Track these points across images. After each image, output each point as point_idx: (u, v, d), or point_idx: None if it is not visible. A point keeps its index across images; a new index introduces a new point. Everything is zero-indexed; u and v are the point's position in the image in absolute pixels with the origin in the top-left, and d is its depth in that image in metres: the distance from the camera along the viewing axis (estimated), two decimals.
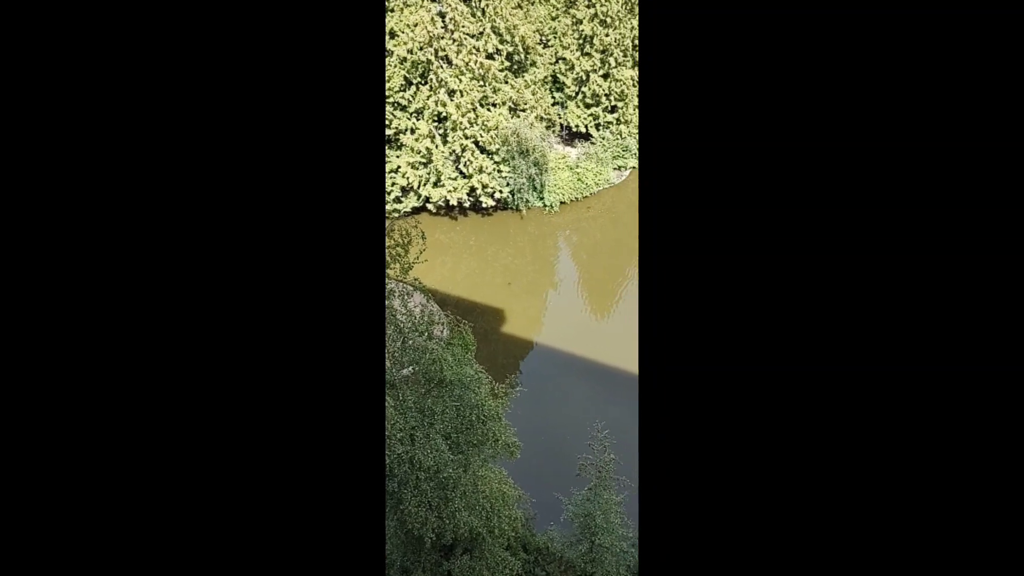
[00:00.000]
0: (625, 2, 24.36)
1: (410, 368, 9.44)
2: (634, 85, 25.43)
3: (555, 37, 25.47)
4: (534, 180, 23.29)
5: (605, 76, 25.14)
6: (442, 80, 21.61)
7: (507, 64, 23.14)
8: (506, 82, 23.10)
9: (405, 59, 21.57)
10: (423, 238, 9.37)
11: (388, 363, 9.11)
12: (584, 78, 24.90)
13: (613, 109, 25.66)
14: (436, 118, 22.42)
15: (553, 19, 25.63)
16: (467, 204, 23.33)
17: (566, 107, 25.76)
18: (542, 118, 23.86)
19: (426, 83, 21.97)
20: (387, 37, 21.18)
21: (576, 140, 26.39)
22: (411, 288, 9.49)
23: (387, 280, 8.67)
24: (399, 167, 22.06)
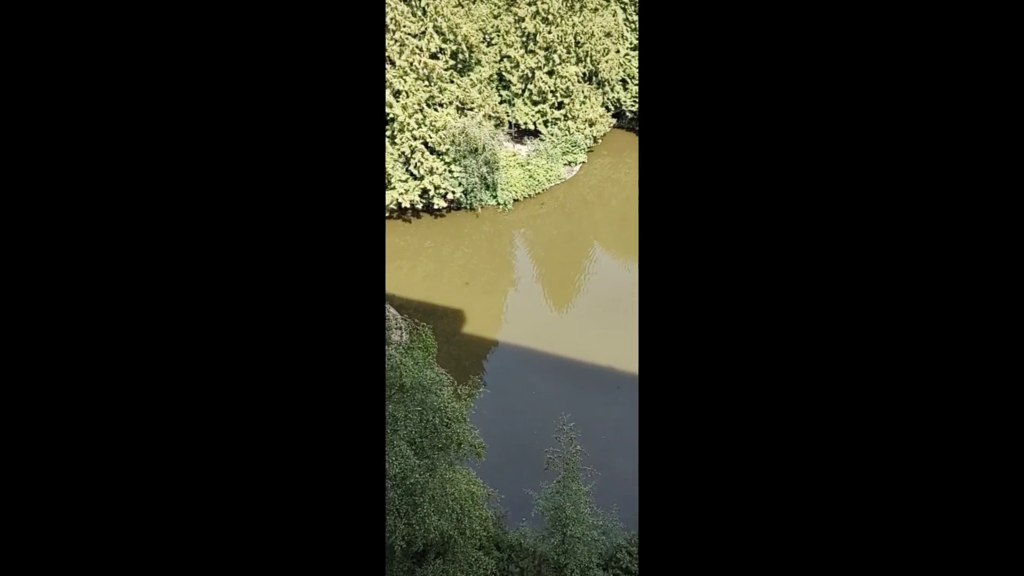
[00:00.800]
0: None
1: None
2: (579, 81, 25.71)
3: (498, 35, 25.47)
4: (486, 179, 23.26)
5: (550, 73, 25.31)
6: (386, 81, 21.32)
7: (452, 63, 23.01)
8: (452, 81, 22.96)
9: None
10: None
11: None
12: (530, 75, 25.00)
13: (560, 106, 25.87)
14: None
15: (495, 17, 25.63)
16: (420, 206, 23.09)
17: (513, 105, 25.82)
18: (490, 116, 23.84)
19: None
20: None
21: (525, 137, 26.50)
22: None
23: None
24: None
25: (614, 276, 22.88)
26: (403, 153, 22.10)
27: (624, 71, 27.67)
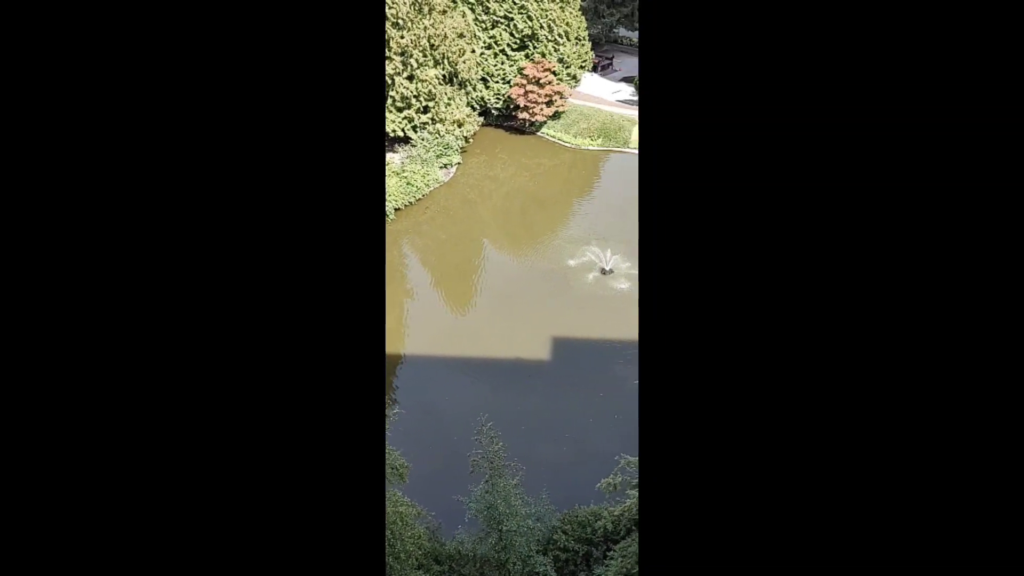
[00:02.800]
0: (414, 3, 24.46)
1: None
2: (441, 83, 25.73)
3: None
4: None
5: (410, 78, 25.11)
6: None
7: None
8: None
9: None
10: None
11: None
12: (390, 82, 24.64)
13: (426, 110, 25.76)
14: None
15: None
16: None
17: None
18: None
19: None
20: None
21: (396, 145, 26.11)
22: None
23: None
24: None
25: (509, 270, 23.25)
26: None
27: (483, 70, 28.09)
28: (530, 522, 11.34)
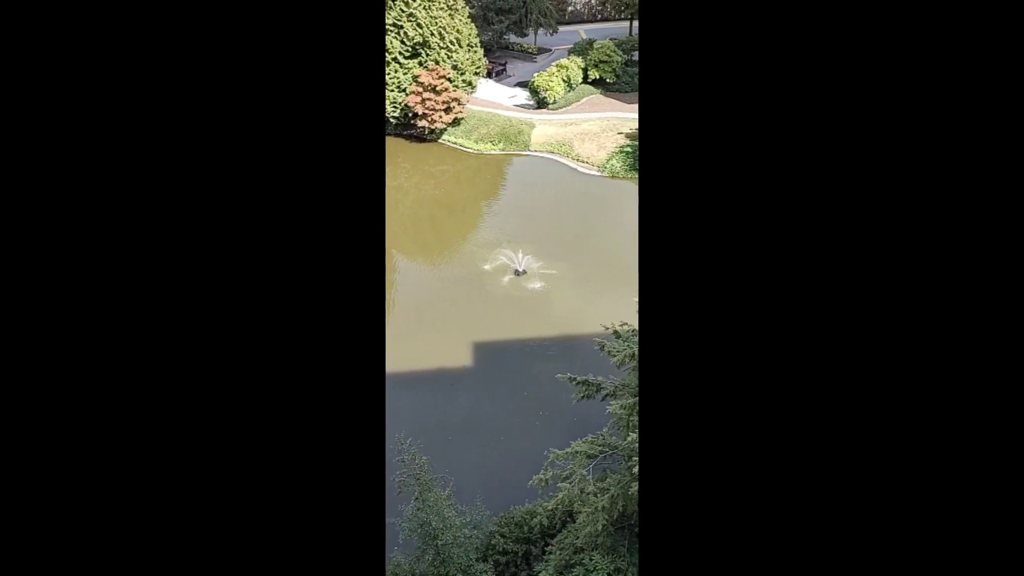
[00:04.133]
0: None
1: None
2: None
3: None
4: None
5: None
6: None
7: None
8: None
9: None
10: None
11: None
12: None
13: None
14: None
15: None
16: None
17: None
18: None
19: None
20: None
21: None
22: None
23: None
24: None
25: (423, 279, 22.93)
26: None
27: None
28: (467, 531, 11.17)
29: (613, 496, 8.44)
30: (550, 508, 9.16)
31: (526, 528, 11.32)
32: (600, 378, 10.43)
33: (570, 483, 8.95)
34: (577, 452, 9.35)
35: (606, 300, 19.99)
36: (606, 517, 8.36)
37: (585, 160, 29.69)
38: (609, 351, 8.67)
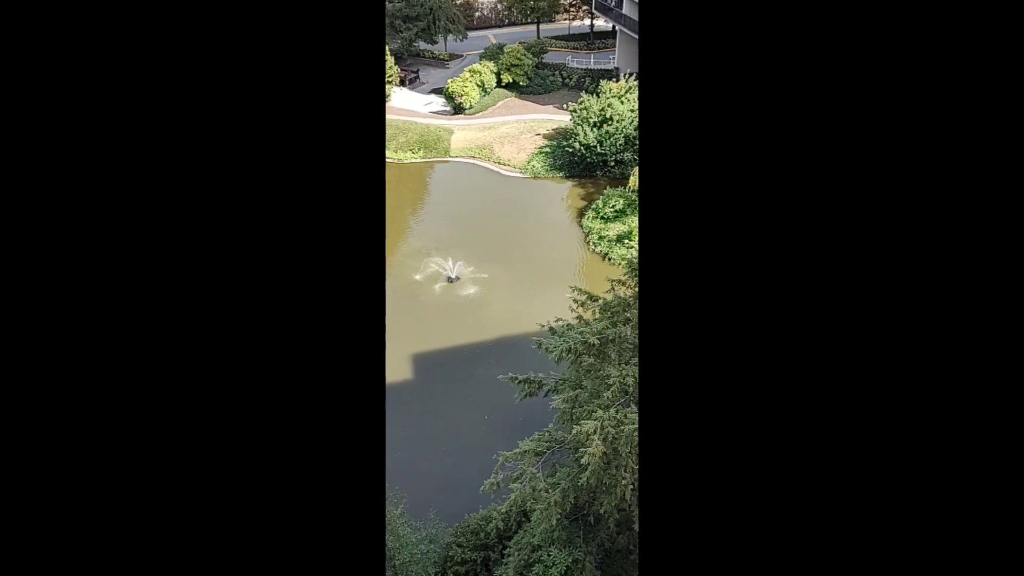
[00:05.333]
0: None
1: None
2: None
3: None
4: None
5: None
6: None
7: None
8: None
9: None
10: None
11: None
12: None
13: None
14: None
15: None
16: None
17: None
18: None
19: None
20: None
21: None
22: None
23: None
24: None
25: None
26: None
27: None
28: (423, 547, 10.99)
29: (564, 489, 8.56)
30: (504, 511, 9.17)
31: (482, 534, 11.27)
32: (541, 375, 10.55)
33: (521, 483, 8.99)
34: (526, 451, 9.41)
35: (541, 299, 20.25)
36: (559, 511, 8.46)
37: (506, 163, 29.98)
38: (546, 348, 8.79)
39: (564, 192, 28.28)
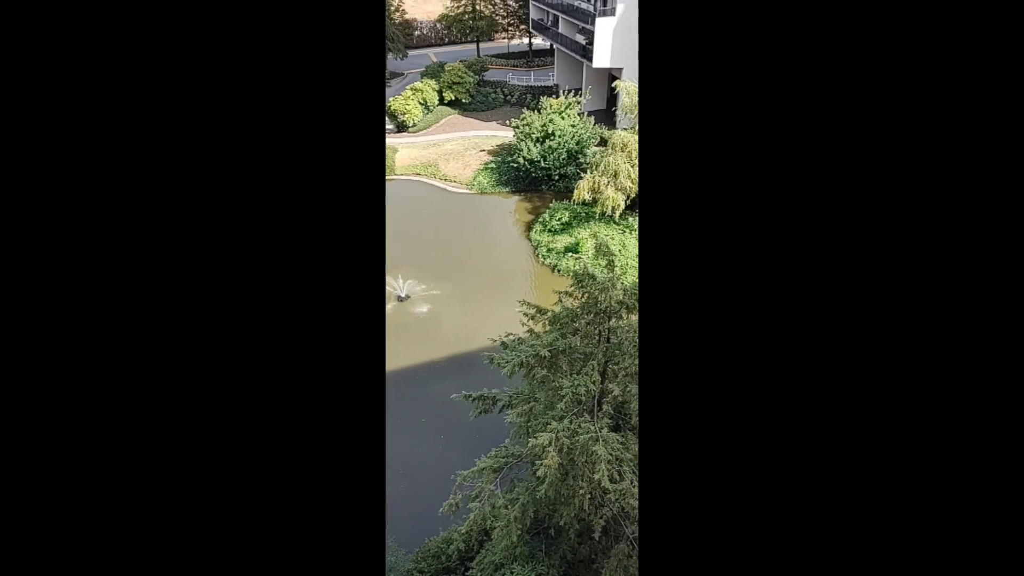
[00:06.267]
0: None
1: None
2: None
3: None
4: None
5: None
6: None
7: None
8: None
9: None
10: None
11: None
12: None
13: None
14: None
15: None
16: None
17: None
18: None
19: None
20: None
21: None
22: None
23: None
24: None
25: None
26: None
27: None
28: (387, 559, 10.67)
29: (523, 504, 8.50)
30: (464, 531, 9.02)
31: (444, 557, 11.05)
32: (495, 391, 10.50)
33: (480, 501, 8.88)
34: (483, 469, 9.31)
35: (494, 313, 20.25)
36: (520, 527, 8.39)
37: (452, 179, 30.01)
38: (498, 363, 8.77)
39: (511, 207, 28.52)
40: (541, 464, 7.68)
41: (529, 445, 8.01)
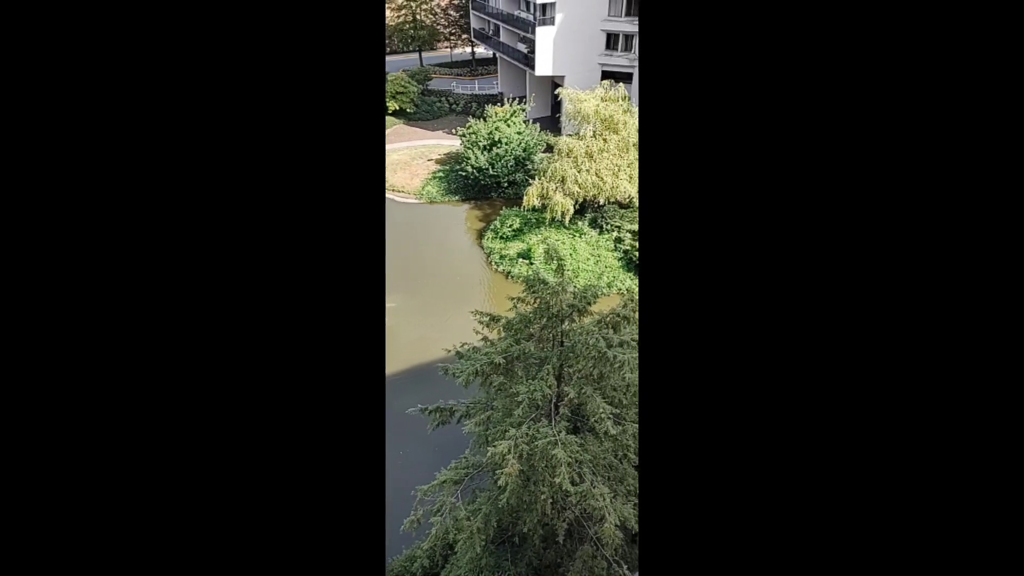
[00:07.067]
0: None
1: None
2: None
3: None
4: None
5: None
6: None
7: None
8: None
9: None
10: None
11: None
12: None
13: None
14: None
15: None
16: None
17: None
18: None
19: None
20: None
21: None
22: None
23: None
24: None
25: None
26: None
27: None
28: None
29: (486, 515, 8.42)
30: (428, 547, 8.85)
31: None
32: (452, 402, 10.39)
33: (442, 515, 8.74)
34: (444, 482, 9.18)
35: (450, 324, 20.10)
36: (483, 538, 8.30)
37: (401, 189, 29.72)
38: (453, 373, 8.68)
39: (462, 215, 28.46)
40: (501, 473, 7.63)
41: (489, 454, 7.95)
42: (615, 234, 23.48)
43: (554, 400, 8.67)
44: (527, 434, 7.90)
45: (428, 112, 36.47)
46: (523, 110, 28.25)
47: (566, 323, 8.67)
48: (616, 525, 7.67)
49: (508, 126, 27.71)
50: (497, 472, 8.06)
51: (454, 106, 37.40)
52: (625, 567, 8.59)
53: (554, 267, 9.15)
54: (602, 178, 22.78)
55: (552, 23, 29.75)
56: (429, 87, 38.37)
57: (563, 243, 23.40)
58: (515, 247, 24.20)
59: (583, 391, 8.20)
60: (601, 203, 24.09)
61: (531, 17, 30.66)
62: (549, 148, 27.80)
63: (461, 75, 42.40)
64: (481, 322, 9.41)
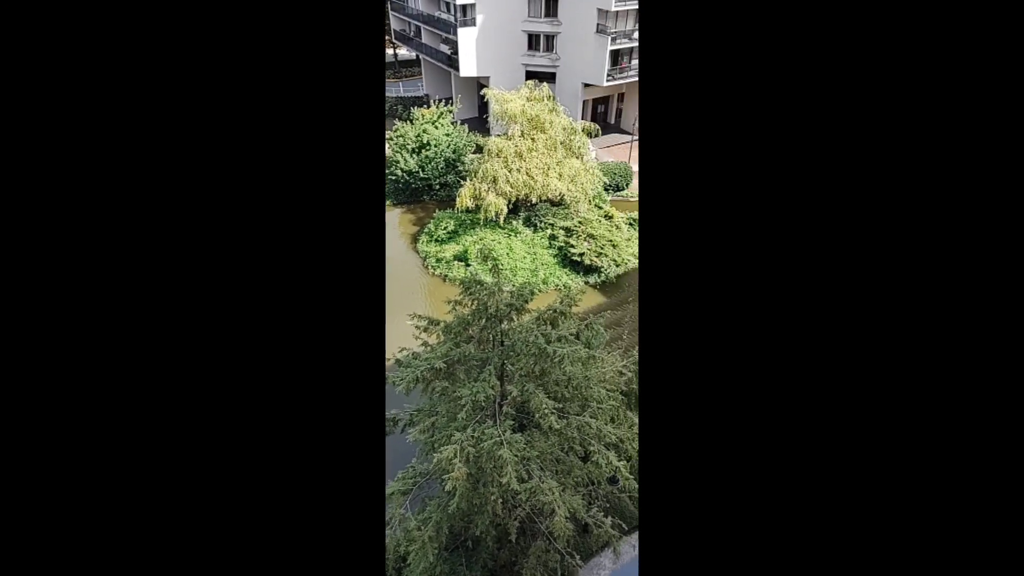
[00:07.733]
0: None
1: None
2: None
3: None
4: None
5: None
6: None
7: None
8: None
9: None
10: None
11: None
12: None
13: None
14: None
15: None
16: None
17: None
18: None
19: None
20: None
21: None
22: None
23: None
24: None
25: None
26: None
27: None
28: None
29: (437, 522, 8.31)
30: (394, 557, 8.64)
31: None
32: (395, 411, 10.19)
33: (391, 528, 8.55)
34: (392, 494, 8.99)
35: (389, 331, 19.70)
36: (435, 546, 8.19)
37: None
38: (393, 381, 8.51)
39: (394, 219, 28.01)
40: (449, 478, 7.55)
41: (435, 460, 7.85)
42: (549, 231, 23.78)
43: (498, 400, 8.66)
44: (472, 436, 7.86)
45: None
46: (450, 111, 28.10)
47: (505, 323, 8.69)
48: (566, 517, 7.76)
49: (436, 128, 27.49)
50: (445, 477, 7.97)
51: None
52: (578, 557, 8.71)
53: (489, 267, 9.14)
54: (533, 177, 23.01)
55: (473, 24, 29.75)
56: (390, 93, 37.54)
57: (499, 243, 23.46)
58: (451, 249, 24.05)
59: (526, 389, 8.25)
60: (534, 202, 24.33)
61: (452, 18, 30.55)
62: (479, 149, 27.80)
63: (385, 77, 41.73)
64: (419, 327, 9.28)
